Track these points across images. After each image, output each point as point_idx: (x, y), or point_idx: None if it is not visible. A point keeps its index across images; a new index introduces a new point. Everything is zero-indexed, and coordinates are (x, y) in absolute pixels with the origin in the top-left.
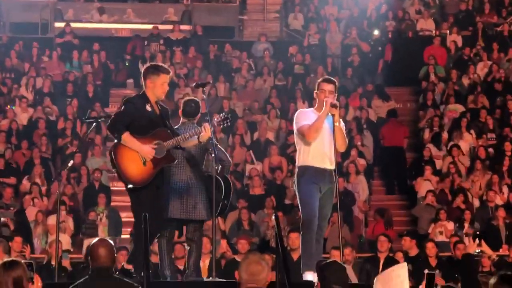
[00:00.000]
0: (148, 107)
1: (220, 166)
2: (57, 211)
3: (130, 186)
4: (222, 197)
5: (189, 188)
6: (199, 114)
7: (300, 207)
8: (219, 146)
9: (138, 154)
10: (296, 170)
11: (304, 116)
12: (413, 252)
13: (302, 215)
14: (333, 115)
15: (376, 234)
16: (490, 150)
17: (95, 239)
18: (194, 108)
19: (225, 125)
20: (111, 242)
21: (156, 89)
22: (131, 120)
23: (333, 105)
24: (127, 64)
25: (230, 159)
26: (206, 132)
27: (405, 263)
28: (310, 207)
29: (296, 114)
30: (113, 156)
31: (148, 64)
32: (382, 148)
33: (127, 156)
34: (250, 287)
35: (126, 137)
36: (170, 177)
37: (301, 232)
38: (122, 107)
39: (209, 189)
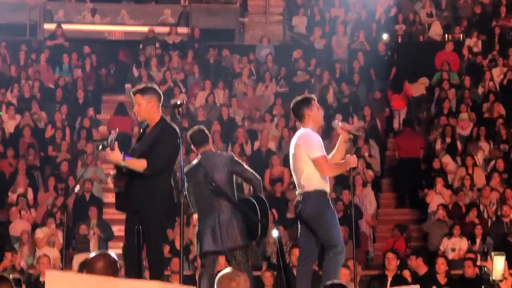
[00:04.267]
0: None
1: (251, 187)
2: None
3: None
4: (259, 218)
5: (219, 218)
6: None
7: (331, 232)
8: (245, 166)
9: None
10: (308, 194)
11: (320, 142)
12: (422, 270)
13: (336, 241)
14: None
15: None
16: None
17: (93, 253)
18: (201, 136)
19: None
20: (114, 256)
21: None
22: None
23: (352, 134)
24: (112, 71)
25: (258, 177)
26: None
27: (418, 286)
28: (339, 233)
29: (307, 136)
30: None
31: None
32: (396, 160)
33: None
34: None
35: None
36: (202, 212)
37: (332, 258)
38: None
39: (244, 213)
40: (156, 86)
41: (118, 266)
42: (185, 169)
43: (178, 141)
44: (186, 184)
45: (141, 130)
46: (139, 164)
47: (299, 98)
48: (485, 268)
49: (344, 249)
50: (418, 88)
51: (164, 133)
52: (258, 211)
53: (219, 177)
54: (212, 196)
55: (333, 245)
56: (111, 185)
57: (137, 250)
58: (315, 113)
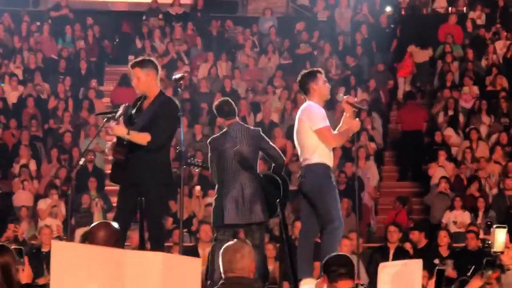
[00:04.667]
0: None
1: (273, 164)
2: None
3: None
4: (281, 195)
5: (244, 192)
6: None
7: (329, 207)
8: (271, 144)
9: None
10: (309, 167)
11: (323, 114)
12: (422, 243)
13: (333, 217)
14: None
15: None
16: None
17: (95, 223)
18: (230, 108)
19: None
20: (116, 225)
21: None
22: None
23: (357, 108)
24: (115, 42)
25: (283, 156)
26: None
27: (420, 260)
28: (340, 211)
29: (310, 109)
30: None
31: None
32: (398, 133)
33: None
34: (229, 277)
35: None
36: (225, 183)
37: (329, 234)
38: None
39: (266, 189)
40: (154, 59)
41: (120, 236)
42: (210, 139)
43: (179, 114)
44: (210, 153)
45: (138, 103)
46: (143, 138)
47: (305, 71)
48: (488, 241)
49: (341, 225)
50: (422, 55)
51: (164, 107)
52: (281, 190)
53: (245, 150)
54: (238, 168)
55: (330, 219)
56: (110, 155)
57: (140, 222)
58: (321, 86)
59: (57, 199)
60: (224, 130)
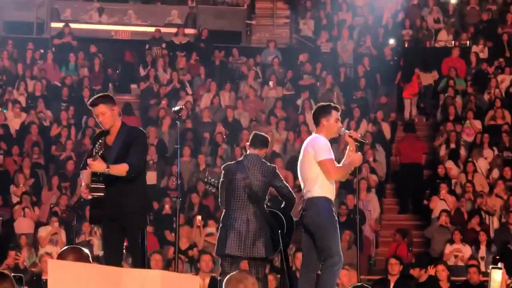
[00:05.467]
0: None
1: (283, 203)
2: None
3: None
4: (285, 234)
5: (249, 225)
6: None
7: (330, 242)
8: (284, 182)
9: None
10: (311, 200)
11: (328, 146)
12: (423, 278)
13: (333, 252)
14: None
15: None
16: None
17: (65, 247)
18: (262, 141)
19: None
20: (86, 251)
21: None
22: None
23: (359, 142)
24: (118, 71)
25: (294, 196)
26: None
27: None
28: (340, 246)
29: (316, 140)
30: None
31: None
32: (398, 165)
33: None
34: None
35: None
36: (231, 212)
37: (328, 268)
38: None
39: (271, 225)
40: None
41: (90, 261)
42: (224, 165)
43: (148, 141)
44: (222, 179)
45: (101, 140)
46: (122, 169)
47: (321, 105)
48: None
49: (341, 260)
50: (426, 78)
51: (133, 135)
52: (285, 228)
53: (255, 184)
54: (246, 200)
55: (330, 254)
56: (86, 196)
57: (141, 250)
58: (331, 123)
59: (58, 226)
60: (239, 159)
